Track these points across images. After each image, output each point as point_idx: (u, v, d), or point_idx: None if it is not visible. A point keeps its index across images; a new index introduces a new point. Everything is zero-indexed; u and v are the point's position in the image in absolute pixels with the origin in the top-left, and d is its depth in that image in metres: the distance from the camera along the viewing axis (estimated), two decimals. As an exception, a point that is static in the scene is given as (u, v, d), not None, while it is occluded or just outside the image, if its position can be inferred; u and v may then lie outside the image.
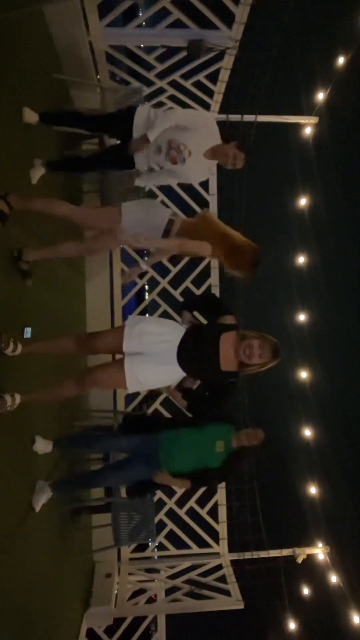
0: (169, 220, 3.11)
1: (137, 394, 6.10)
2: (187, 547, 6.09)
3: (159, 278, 6.12)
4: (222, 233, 3.14)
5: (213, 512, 6.10)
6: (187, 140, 3.24)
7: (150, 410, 5.62)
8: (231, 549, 6.18)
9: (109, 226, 3.16)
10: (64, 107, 4.19)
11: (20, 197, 2.84)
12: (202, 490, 6.01)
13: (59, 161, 3.81)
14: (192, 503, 6.03)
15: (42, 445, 3.26)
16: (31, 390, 2.82)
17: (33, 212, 3.00)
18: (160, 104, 5.71)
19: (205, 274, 6.11)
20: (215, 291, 6.15)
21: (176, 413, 5.98)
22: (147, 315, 6.42)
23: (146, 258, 3.51)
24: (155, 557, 6.38)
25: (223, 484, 6.09)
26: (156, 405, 5.89)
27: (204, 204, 6.10)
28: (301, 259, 6.75)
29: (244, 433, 3.37)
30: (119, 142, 3.65)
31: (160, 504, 5.99)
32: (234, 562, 6.01)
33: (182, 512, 6.02)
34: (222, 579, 5.73)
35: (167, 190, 5.95)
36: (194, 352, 2.76)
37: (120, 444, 3.64)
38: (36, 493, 3.17)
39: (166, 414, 5.99)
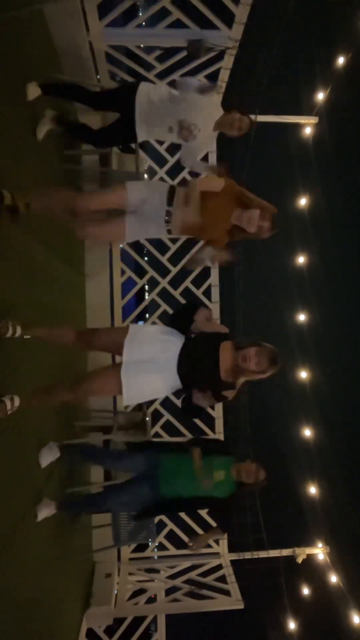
0: (170, 188, 3.06)
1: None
2: (187, 547, 6.08)
3: (158, 278, 6.12)
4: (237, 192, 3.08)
5: (213, 512, 6.10)
6: (196, 119, 3.35)
7: (150, 410, 5.62)
8: (231, 549, 6.17)
9: (117, 205, 3.11)
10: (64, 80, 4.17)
11: (25, 193, 2.80)
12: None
13: (68, 122, 3.79)
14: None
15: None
16: (29, 394, 2.81)
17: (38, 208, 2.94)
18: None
19: (206, 274, 6.11)
20: (215, 291, 6.14)
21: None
22: (147, 315, 6.43)
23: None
24: (155, 557, 6.38)
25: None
26: (156, 405, 5.89)
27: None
28: (301, 259, 6.75)
29: (245, 469, 3.34)
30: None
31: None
32: (234, 562, 6.00)
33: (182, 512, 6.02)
34: (222, 579, 5.73)
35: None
36: (194, 363, 2.74)
37: (122, 462, 3.64)
38: (41, 506, 3.25)
39: (166, 414, 6.00)
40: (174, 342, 2.78)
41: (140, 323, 8.06)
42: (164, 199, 3.05)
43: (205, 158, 5.83)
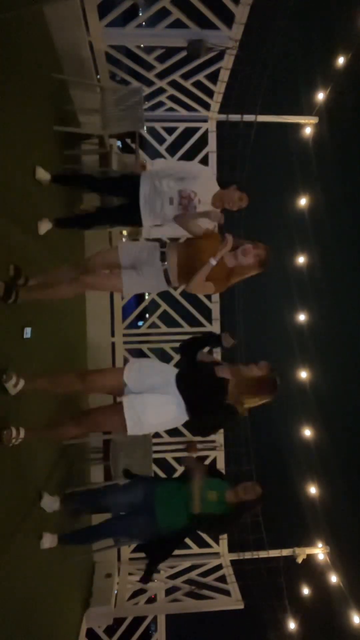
0: (161, 253, 3.16)
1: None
2: (187, 547, 6.08)
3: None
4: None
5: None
6: (195, 188, 3.52)
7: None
8: (231, 549, 6.18)
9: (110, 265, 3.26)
10: (75, 171, 4.49)
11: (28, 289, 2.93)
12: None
13: (67, 218, 3.91)
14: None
15: (49, 504, 3.36)
16: (34, 426, 2.84)
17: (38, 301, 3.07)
18: (160, 104, 5.72)
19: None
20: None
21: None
22: (147, 315, 6.42)
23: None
24: (155, 557, 6.37)
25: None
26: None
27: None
28: (301, 259, 6.75)
29: (242, 487, 3.39)
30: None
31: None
32: (234, 562, 6.01)
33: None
34: (222, 579, 5.73)
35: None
36: (195, 381, 2.83)
37: (119, 499, 3.67)
38: (44, 539, 3.30)
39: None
40: (168, 371, 2.88)
41: (140, 323, 8.08)
42: (156, 257, 3.14)
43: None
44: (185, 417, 2.83)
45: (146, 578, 3.55)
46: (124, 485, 3.78)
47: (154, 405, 2.75)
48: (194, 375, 2.88)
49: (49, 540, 3.33)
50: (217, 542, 6.15)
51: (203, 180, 3.60)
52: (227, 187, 3.64)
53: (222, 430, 6.19)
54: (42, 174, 3.58)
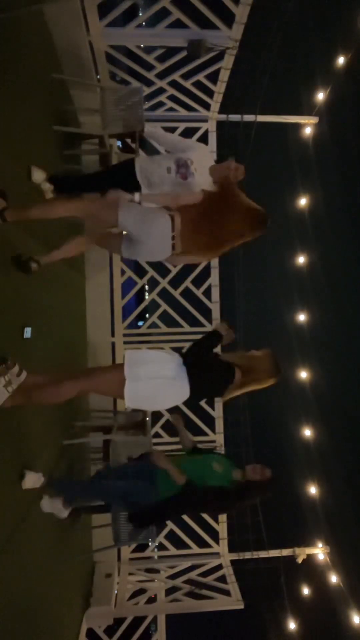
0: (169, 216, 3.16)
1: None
2: (187, 547, 6.09)
3: (159, 278, 6.11)
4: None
5: (213, 512, 6.10)
6: (191, 156, 3.59)
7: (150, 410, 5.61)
8: (231, 549, 6.18)
9: (107, 218, 3.14)
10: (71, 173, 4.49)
11: (16, 209, 2.83)
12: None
13: (62, 179, 3.87)
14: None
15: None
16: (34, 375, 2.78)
17: (31, 221, 3.01)
18: (160, 104, 5.73)
19: (206, 274, 6.11)
20: (215, 292, 6.14)
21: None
22: (147, 315, 6.43)
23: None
24: (155, 557, 6.38)
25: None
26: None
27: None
28: (301, 259, 6.75)
29: (251, 467, 3.32)
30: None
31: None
32: (234, 562, 6.00)
33: (182, 512, 6.02)
34: (222, 579, 5.73)
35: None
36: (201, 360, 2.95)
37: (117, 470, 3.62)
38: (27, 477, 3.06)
39: (166, 414, 6.00)
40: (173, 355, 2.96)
41: (140, 323, 8.08)
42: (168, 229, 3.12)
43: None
44: (185, 388, 2.83)
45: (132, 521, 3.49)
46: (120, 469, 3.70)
47: (153, 360, 2.83)
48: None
49: (32, 480, 3.01)
50: (217, 542, 6.16)
51: (200, 152, 3.66)
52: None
53: (222, 430, 6.20)
54: (38, 175, 3.55)
